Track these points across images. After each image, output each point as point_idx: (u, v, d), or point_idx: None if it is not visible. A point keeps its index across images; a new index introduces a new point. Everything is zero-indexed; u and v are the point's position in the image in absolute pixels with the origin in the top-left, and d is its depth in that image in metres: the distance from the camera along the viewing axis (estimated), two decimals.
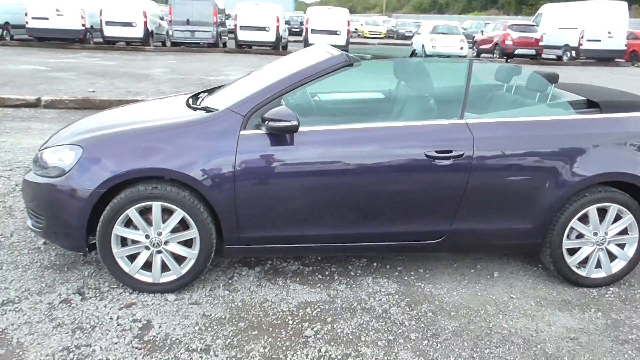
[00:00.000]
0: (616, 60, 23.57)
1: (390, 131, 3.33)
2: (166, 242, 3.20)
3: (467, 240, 3.47)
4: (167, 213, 3.16)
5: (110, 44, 21.71)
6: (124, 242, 3.19)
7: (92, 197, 3.08)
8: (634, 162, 3.43)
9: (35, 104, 8.97)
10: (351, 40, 39.33)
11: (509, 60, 22.90)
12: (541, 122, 3.42)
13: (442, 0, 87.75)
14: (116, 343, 2.78)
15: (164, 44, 23.86)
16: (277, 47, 22.50)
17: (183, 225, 3.19)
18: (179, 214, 3.14)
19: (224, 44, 24.11)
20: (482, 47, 25.52)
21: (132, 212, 3.11)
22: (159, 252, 3.21)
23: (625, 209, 3.45)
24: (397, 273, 3.69)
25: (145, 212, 3.16)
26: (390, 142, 3.28)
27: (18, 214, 4.37)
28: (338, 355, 2.78)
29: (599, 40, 22.60)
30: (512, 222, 3.42)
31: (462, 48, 23.01)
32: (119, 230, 3.14)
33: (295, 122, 3.08)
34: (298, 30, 34.78)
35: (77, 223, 3.13)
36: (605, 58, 23.13)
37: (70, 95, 9.40)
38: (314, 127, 3.27)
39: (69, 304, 3.12)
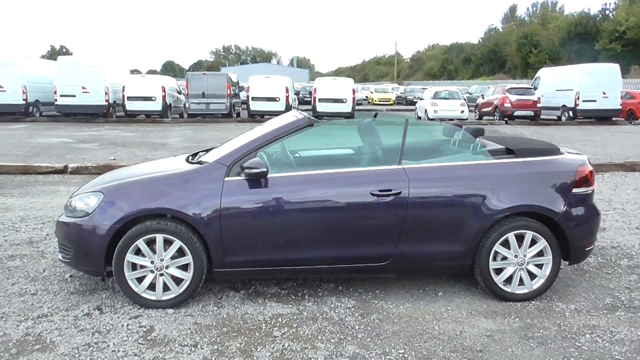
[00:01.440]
0: (613, 119, 24.49)
1: (343, 175, 4.22)
2: (167, 267, 4.07)
3: (410, 262, 4.27)
4: (167, 243, 4.04)
5: (131, 117, 23.31)
6: (134, 267, 4.06)
7: (109, 231, 3.98)
8: (543, 197, 4.26)
9: (63, 171, 10.08)
10: (361, 107, 41.36)
11: (508, 122, 24.00)
12: (464, 166, 4.30)
13: (452, 66, 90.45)
14: (126, 341, 3.60)
15: (181, 116, 25.42)
16: None
17: (180, 253, 4.06)
18: (177, 243, 4.03)
19: (238, 114, 25.62)
20: (483, 110, 26.69)
21: (140, 243, 4.00)
22: (161, 274, 4.07)
23: (539, 235, 4.25)
24: (357, 293, 4.48)
25: (150, 243, 4.04)
26: (343, 183, 4.17)
27: (49, 255, 5.29)
28: (298, 348, 3.56)
29: (595, 101, 23.66)
30: (446, 246, 4.23)
31: (462, 111, 24.13)
32: (130, 257, 4.02)
33: (264, 169, 4.00)
34: (309, 99, 36.53)
35: (98, 253, 4.02)
36: (601, 117, 24.10)
37: (93, 163, 10.52)
38: (283, 174, 4.19)
39: (90, 316, 3.96)
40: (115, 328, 3.78)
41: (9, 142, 14.37)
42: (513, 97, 24.37)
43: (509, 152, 4.53)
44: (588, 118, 24.20)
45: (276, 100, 23.56)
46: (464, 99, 26.65)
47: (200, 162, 4.43)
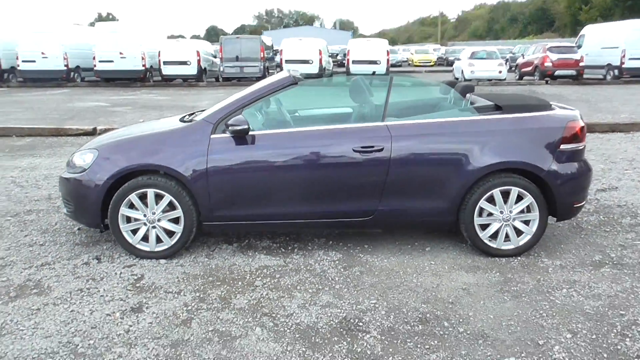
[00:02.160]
0: None
1: (326, 132, 4.30)
2: (159, 220, 4.27)
3: (393, 218, 4.35)
4: (159, 197, 4.24)
5: (167, 81, 23.74)
6: (128, 220, 4.28)
7: (104, 186, 4.20)
8: (529, 153, 4.22)
9: (92, 133, 10.47)
10: (400, 69, 40.74)
11: (548, 82, 23.25)
12: (447, 123, 4.31)
13: (498, 26, 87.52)
14: (115, 287, 3.84)
15: (217, 80, 25.70)
16: (321, 77, 23.79)
17: (171, 207, 4.25)
18: (167, 198, 4.21)
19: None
20: (523, 70, 25.92)
21: (133, 197, 4.21)
22: (154, 227, 4.28)
23: (525, 192, 4.23)
24: (345, 248, 4.60)
25: (143, 198, 4.24)
26: (327, 140, 4.25)
27: (64, 210, 5.59)
28: (275, 296, 3.73)
29: None
30: (429, 202, 4.27)
31: (500, 72, 23.52)
32: (124, 210, 4.23)
33: (245, 126, 4.11)
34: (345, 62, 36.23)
35: (95, 206, 4.25)
36: None
37: (121, 125, 10.87)
38: (267, 131, 4.29)
39: (88, 265, 4.23)
40: (108, 276, 4.03)
41: (48, 107, 14.94)
42: (554, 56, 23.56)
43: (497, 108, 4.49)
44: (635, 77, 23.17)
45: (309, 63, 23.50)
46: (504, 59, 25.90)
47: (190, 121, 4.58)
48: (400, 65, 43.52)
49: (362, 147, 4.19)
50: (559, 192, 4.27)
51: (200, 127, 4.30)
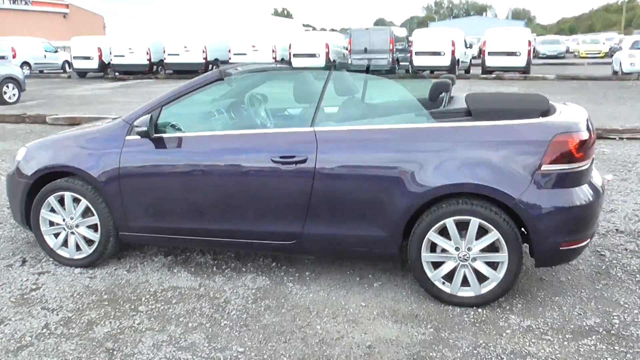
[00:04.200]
0: None
1: (246, 137, 3.63)
2: (77, 226, 3.95)
3: (321, 244, 3.56)
4: (77, 202, 3.92)
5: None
6: (51, 223, 4.03)
7: (25, 186, 3.99)
8: (493, 174, 3.17)
9: None
10: (565, 60, 36.88)
11: None
12: (390, 130, 3.38)
13: None
14: (3, 296, 3.60)
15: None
16: (453, 71, 22.29)
17: (90, 212, 3.91)
18: (83, 202, 3.88)
19: (407, 70, 24.67)
20: None
21: (52, 200, 3.94)
22: (72, 233, 3.98)
23: (489, 224, 3.20)
24: (283, 273, 3.90)
25: (63, 201, 3.95)
26: (245, 147, 3.58)
27: None
28: (142, 328, 3.20)
29: None
30: (364, 229, 3.42)
31: None
32: (44, 213, 3.99)
33: (144, 128, 3.60)
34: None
35: (19, 205, 4.07)
36: None
37: None
38: (183, 134, 3.74)
39: (9, 267, 4.05)
40: (10, 281, 3.81)
41: None
42: None
43: (468, 113, 3.46)
44: None
45: (440, 55, 22.10)
46: None
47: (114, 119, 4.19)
48: (563, 57, 39.54)
49: (282, 157, 3.46)
50: (535, 228, 3.16)
51: (117, 127, 3.89)
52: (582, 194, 3.18)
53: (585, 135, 3.17)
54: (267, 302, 3.47)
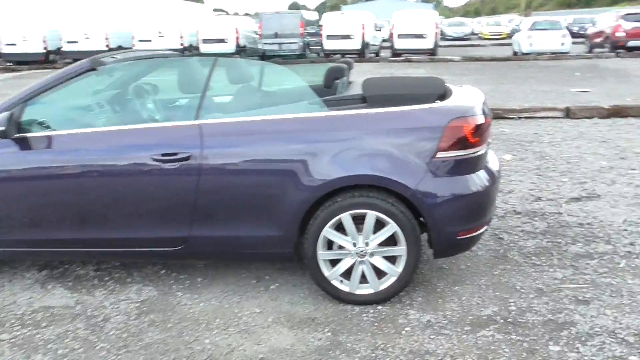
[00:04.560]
0: None
1: (123, 134, 3.26)
2: None
3: (210, 248, 3.28)
4: None
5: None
6: None
7: None
8: (389, 164, 3.01)
9: None
10: (469, 42, 38.11)
11: (619, 54, 20.54)
12: (279, 121, 3.14)
13: None
14: None
15: (262, 58, 24.89)
16: (363, 54, 22.40)
17: None
18: None
19: (318, 54, 24.54)
20: (594, 40, 23.22)
21: None
22: None
23: (386, 217, 3.03)
24: (172, 281, 3.59)
25: None
26: (122, 145, 3.23)
27: None
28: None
29: None
30: (256, 228, 3.17)
31: (563, 44, 21.12)
32: None
33: (2, 128, 3.16)
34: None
35: None
36: None
37: None
38: (47, 133, 3.32)
39: None
40: None
41: None
42: (628, 25, 20.81)
43: (363, 100, 3.29)
44: None
45: (350, 38, 22.11)
46: (569, 30, 23.36)
47: None
48: (468, 39, 40.90)
49: (163, 155, 3.13)
50: (433, 219, 3.03)
51: None
52: (478, 180, 3.09)
53: (480, 120, 3.07)
54: (151, 317, 3.16)
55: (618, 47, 20.90)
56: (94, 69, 3.38)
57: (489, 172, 3.19)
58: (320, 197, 3.06)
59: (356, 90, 3.56)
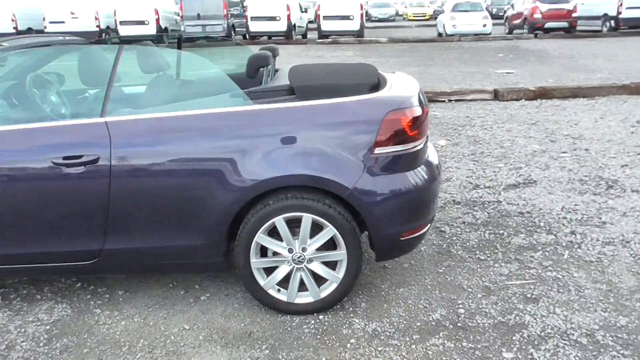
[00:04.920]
0: None
1: (11, 136, 2.81)
2: None
3: (128, 261, 2.91)
4: None
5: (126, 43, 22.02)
6: None
7: None
8: (323, 162, 2.74)
9: None
10: (394, 23, 38.39)
11: (538, 35, 21.23)
12: (199, 117, 2.79)
13: None
14: None
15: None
16: (290, 36, 22.00)
17: None
18: None
19: (244, 36, 23.87)
20: (513, 22, 23.87)
21: None
22: None
23: (324, 220, 2.77)
24: (89, 295, 3.19)
25: None
26: (14, 148, 2.78)
27: None
28: None
29: None
30: (179, 237, 2.83)
31: (485, 25, 21.58)
32: None
33: None
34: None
35: None
36: None
37: None
38: None
39: None
40: None
41: None
42: (544, 7, 21.52)
43: (291, 92, 3.00)
44: (633, 28, 21.06)
45: (276, 20, 21.63)
46: (489, 11, 23.92)
47: None
48: (393, 20, 41.24)
49: (65, 158, 2.72)
50: (373, 220, 2.80)
51: None
52: (419, 176, 2.88)
53: (418, 111, 2.85)
54: (65, 341, 2.77)
55: (536, 28, 21.62)
56: None
57: (430, 167, 2.99)
58: (249, 201, 2.76)
59: (283, 80, 3.25)
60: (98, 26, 21.22)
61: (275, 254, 2.88)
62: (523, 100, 8.67)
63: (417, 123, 2.82)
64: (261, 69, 3.41)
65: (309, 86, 2.95)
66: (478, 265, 3.41)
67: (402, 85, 3.03)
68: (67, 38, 3.86)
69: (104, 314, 3.01)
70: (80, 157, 2.71)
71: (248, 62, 3.38)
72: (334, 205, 2.77)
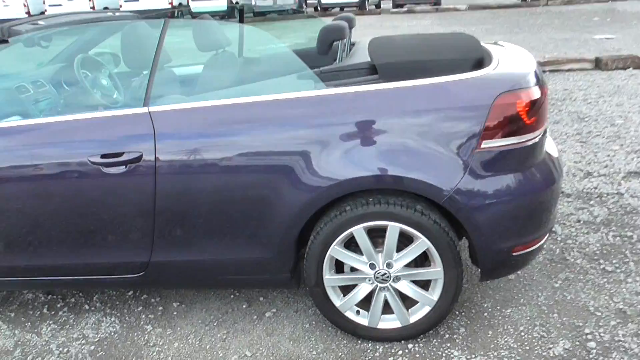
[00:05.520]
0: None
1: (45, 130, 2.40)
2: None
3: (180, 275, 2.47)
4: None
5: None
6: None
7: None
8: (416, 159, 2.15)
9: None
10: None
11: None
12: (261, 104, 2.27)
13: None
14: None
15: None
16: (363, 7, 21.17)
17: None
18: None
19: (315, 9, 23.25)
20: None
21: None
22: None
23: (415, 230, 2.20)
24: (141, 308, 2.80)
25: None
26: (50, 143, 2.37)
27: None
28: None
29: None
30: (237, 249, 2.35)
31: None
32: None
33: None
34: None
35: None
36: None
37: None
38: None
39: None
40: None
41: None
42: None
43: (374, 71, 2.41)
44: None
45: None
46: None
47: None
48: None
49: (104, 156, 2.29)
50: (479, 232, 2.20)
51: None
52: (537, 176, 2.24)
53: (536, 93, 2.19)
54: None
55: None
56: (4, 41, 2.49)
57: (550, 164, 2.33)
58: (320, 208, 2.23)
59: (361, 56, 2.66)
60: (171, 2, 21.15)
61: (353, 269, 2.35)
62: (631, 69, 7.61)
63: (536, 108, 2.17)
64: (335, 42, 2.84)
65: (396, 63, 2.36)
66: (605, 279, 2.74)
67: (513, 60, 2.38)
68: (117, 14, 3.44)
69: (155, 331, 2.60)
70: (120, 154, 2.27)
71: (319, 36, 2.83)
72: (427, 212, 2.19)
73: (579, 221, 3.35)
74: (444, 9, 19.50)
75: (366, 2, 21.19)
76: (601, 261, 2.90)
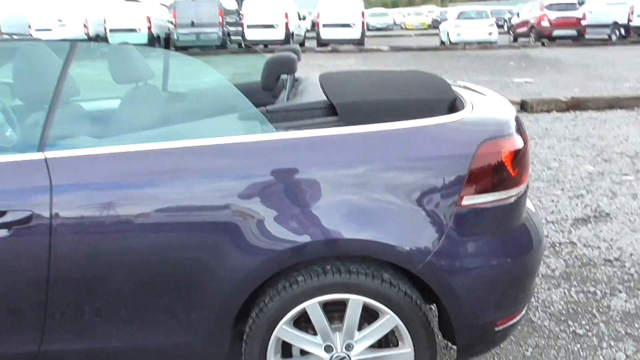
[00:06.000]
0: None
1: None
2: None
3: None
4: None
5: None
6: None
7: None
8: (385, 218, 1.78)
9: None
10: (393, 32, 37.59)
11: (545, 44, 20.44)
12: (191, 150, 1.82)
13: None
14: None
15: (176, 49, 23.02)
16: (288, 44, 21.11)
17: None
18: None
19: (239, 45, 22.97)
20: (518, 30, 23.21)
21: None
22: None
23: (379, 304, 1.80)
24: None
25: None
26: None
27: None
28: None
29: None
30: (155, 333, 1.86)
31: (491, 34, 20.81)
32: None
33: None
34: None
35: None
36: None
37: None
38: None
39: None
40: None
41: None
42: (552, 14, 20.73)
43: (332, 111, 2.04)
44: None
45: (273, 27, 20.77)
46: (501, 20, 23.21)
47: None
48: (391, 29, 40.58)
49: None
50: (459, 305, 1.84)
51: None
52: (522, 238, 1.93)
53: (519, 142, 1.90)
54: None
55: (543, 36, 20.84)
56: None
57: (534, 223, 2.04)
58: (270, 276, 1.80)
59: (313, 94, 2.28)
60: (87, 34, 20.25)
61: (304, 352, 1.91)
62: (554, 112, 7.77)
63: (519, 157, 1.88)
64: (284, 75, 2.44)
65: (360, 103, 2.00)
66: (578, 345, 2.46)
67: (490, 105, 2.09)
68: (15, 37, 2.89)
69: None
70: (3, 213, 1.74)
71: (265, 68, 2.41)
72: (396, 282, 1.81)
73: (537, 275, 3.09)
74: (367, 50, 19.79)
75: (291, 40, 21.19)
76: (569, 322, 2.63)
